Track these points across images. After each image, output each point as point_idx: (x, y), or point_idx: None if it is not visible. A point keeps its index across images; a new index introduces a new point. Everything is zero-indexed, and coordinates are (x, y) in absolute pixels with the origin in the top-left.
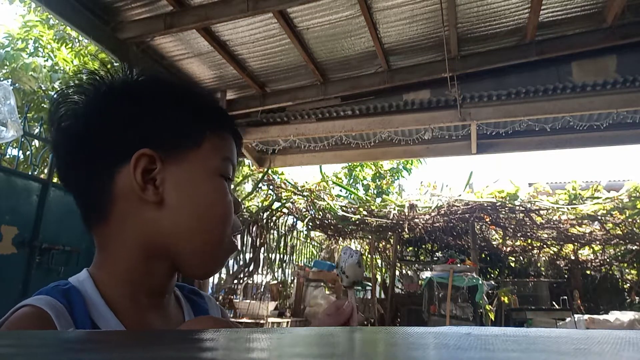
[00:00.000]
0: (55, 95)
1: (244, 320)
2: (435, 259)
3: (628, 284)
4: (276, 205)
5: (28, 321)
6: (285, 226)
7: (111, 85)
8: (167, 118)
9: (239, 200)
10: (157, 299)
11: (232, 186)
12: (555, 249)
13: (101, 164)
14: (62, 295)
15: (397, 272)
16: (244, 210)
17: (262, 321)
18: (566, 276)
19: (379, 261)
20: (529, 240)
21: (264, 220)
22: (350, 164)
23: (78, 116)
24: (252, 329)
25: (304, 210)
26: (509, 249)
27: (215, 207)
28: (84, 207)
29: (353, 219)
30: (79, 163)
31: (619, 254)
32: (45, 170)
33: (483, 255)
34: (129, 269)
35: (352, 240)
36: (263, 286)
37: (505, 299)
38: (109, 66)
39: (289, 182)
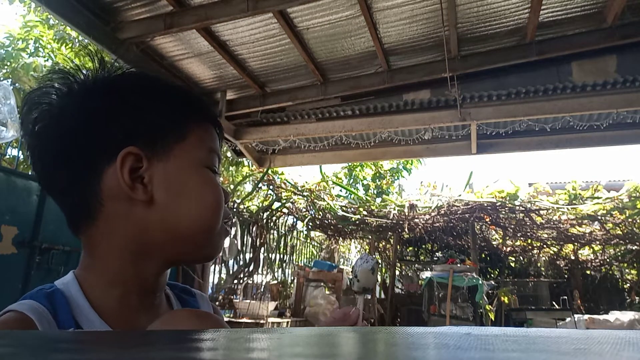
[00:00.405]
0: (26, 97)
1: (244, 320)
2: (435, 259)
3: (628, 284)
4: (276, 205)
5: (11, 327)
6: (285, 226)
7: (85, 84)
8: (150, 114)
9: (228, 191)
10: (148, 298)
11: (232, 186)
12: (555, 249)
13: (86, 165)
14: (46, 298)
15: (397, 272)
16: (244, 210)
17: (262, 321)
18: (566, 276)
19: (379, 261)
20: (529, 240)
21: (264, 220)
22: (350, 164)
23: (54, 117)
24: (252, 329)
25: (304, 210)
26: (509, 249)
27: (206, 197)
28: (70, 210)
29: (353, 219)
30: (62, 166)
31: (619, 254)
32: None
33: (483, 255)
34: (119, 269)
35: (352, 240)
36: (263, 286)
37: (505, 299)
38: (83, 63)
39: (289, 182)
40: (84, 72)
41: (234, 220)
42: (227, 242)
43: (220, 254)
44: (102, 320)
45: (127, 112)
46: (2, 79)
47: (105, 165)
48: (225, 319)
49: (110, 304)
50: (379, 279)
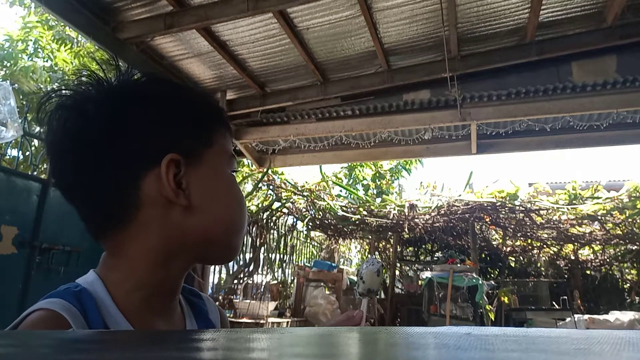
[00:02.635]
0: (52, 95)
1: (244, 320)
2: (435, 259)
3: (628, 284)
4: (276, 205)
5: (44, 325)
6: (285, 226)
7: (117, 86)
8: (184, 121)
9: None
10: (167, 300)
11: None
12: (555, 249)
13: (124, 170)
14: (75, 298)
15: (397, 272)
16: None
17: (262, 321)
18: (566, 276)
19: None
20: (529, 240)
21: (264, 220)
22: (350, 164)
23: (90, 119)
24: (252, 329)
25: (304, 210)
26: (509, 249)
27: (235, 201)
28: (96, 216)
29: (353, 219)
30: (94, 171)
31: (619, 254)
32: (45, 170)
33: (483, 255)
34: (148, 271)
35: (352, 240)
36: (263, 286)
37: (505, 299)
38: (104, 66)
39: (289, 182)
40: (104, 77)
41: None
42: None
43: None
44: (127, 321)
45: (168, 120)
46: (1, 80)
47: (143, 171)
48: None
49: (134, 305)
50: None
